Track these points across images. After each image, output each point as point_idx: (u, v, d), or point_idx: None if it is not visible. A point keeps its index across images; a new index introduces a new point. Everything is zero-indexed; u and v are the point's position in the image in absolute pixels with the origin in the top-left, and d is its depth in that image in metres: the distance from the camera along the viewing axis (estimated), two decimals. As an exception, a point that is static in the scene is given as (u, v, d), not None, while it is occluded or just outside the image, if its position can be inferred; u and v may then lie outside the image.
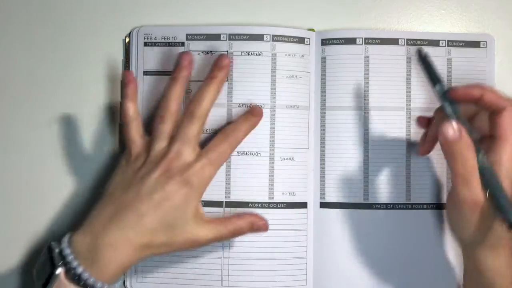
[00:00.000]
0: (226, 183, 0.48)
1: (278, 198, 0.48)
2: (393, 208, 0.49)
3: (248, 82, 0.49)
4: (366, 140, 0.49)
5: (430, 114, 0.46)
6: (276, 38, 0.49)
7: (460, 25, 0.51)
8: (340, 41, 0.49)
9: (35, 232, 0.49)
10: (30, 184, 0.50)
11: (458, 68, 0.49)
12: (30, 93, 0.50)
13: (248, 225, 0.44)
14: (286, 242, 0.48)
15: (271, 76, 0.49)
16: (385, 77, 0.49)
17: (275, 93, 0.49)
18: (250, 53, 0.49)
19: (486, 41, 0.49)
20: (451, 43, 0.50)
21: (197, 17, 0.50)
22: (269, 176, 0.48)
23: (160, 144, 0.44)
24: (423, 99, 0.49)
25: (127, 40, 0.50)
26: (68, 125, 0.50)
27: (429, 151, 0.47)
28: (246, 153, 0.48)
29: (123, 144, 0.47)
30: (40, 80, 0.50)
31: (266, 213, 0.48)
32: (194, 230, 0.42)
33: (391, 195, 0.49)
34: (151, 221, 0.41)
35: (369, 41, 0.49)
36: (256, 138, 0.48)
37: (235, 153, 0.48)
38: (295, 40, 0.49)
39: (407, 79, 0.49)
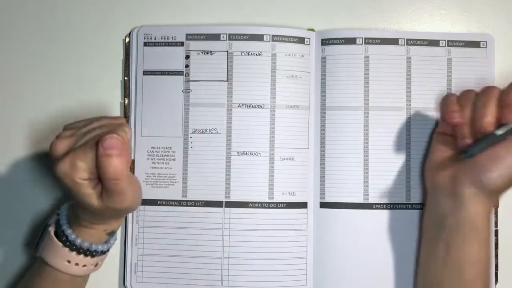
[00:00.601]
0: (226, 183, 0.48)
1: (278, 198, 0.48)
2: (393, 208, 0.49)
3: (248, 82, 0.49)
4: (366, 140, 0.49)
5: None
6: (276, 38, 0.49)
7: (460, 25, 0.51)
8: (340, 41, 0.49)
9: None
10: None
11: (458, 68, 0.49)
12: (29, 92, 0.50)
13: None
14: (286, 242, 0.48)
15: (271, 76, 0.49)
16: (385, 77, 0.49)
17: (275, 93, 0.49)
18: (250, 53, 0.49)
19: (486, 41, 0.49)
20: (451, 43, 0.50)
21: (197, 17, 0.50)
22: (269, 176, 0.48)
23: None
24: (423, 99, 0.49)
25: (127, 40, 0.50)
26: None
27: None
28: (246, 153, 0.48)
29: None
30: (40, 80, 0.50)
31: (266, 213, 0.48)
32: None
33: (391, 195, 0.49)
34: None
35: (369, 41, 0.49)
36: (256, 138, 0.48)
37: (235, 153, 0.48)
38: (295, 40, 0.49)
39: (407, 79, 0.49)
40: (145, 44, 0.49)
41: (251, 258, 0.48)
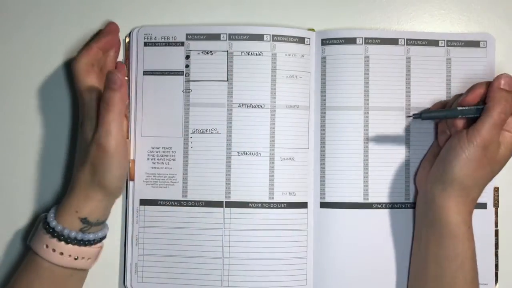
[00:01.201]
0: (226, 183, 0.48)
1: (278, 198, 0.48)
2: (392, 207, 0.49)
3: (248, 82, 0.49)
4: (366, 140, 0.49)
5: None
6: (276, 38, 0.49)
7: (460, 25, 0.51)
8: (340, 41, 0.49)
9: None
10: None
11: (457, 68, 0.49)
12: (30, 93, 0.50)
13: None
14: (286, 242, 0.48)
15: (271, 76, 0.49)
16: (385, 77, 0.49)
17: (275, 93, 0.49)
18: (250, 53, 0.49)
19: (486, 41, 0.49)
20: (451, 43, 0.50)
21: (197, 17, 0.50)
22: (269, 176, 0.48)
23: None
24: (422, 99, 0.49)
25: (127, 40, 0.50)
26: (68, 123, 0.50)
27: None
28: (246, 153, 0.49)
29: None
30: (38, 80, 0.50)
31: (267, 213, 0.48)
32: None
33: (391, 194, 0.49)
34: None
35: (369, 41, 0.49)
36: (256, 138, 0.49)
37: (235, 153, 0.48)
38: (295, 40, 0.49)
39: (406, 79, 0.49)
40: (145, 44, 0.49)
41: (251, 258, 0.48)
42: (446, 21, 0.51)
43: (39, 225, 0.45)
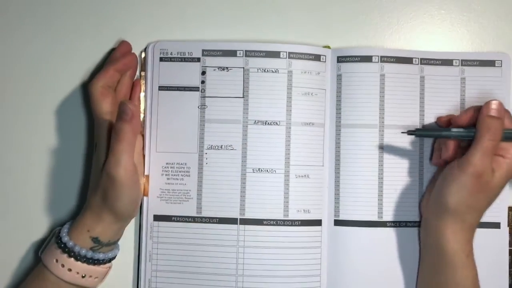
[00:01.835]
0: (241, 200, 0.48)
1: (293, 215, 0.48)
2: (406, 226, 0.49)
3: (263, 99, 0.49)
4: (381, 158, 0.49)
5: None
6: (292, 55, 0.49)
7: (475, 44, 0.51)
8: (356, 59, 0.49)
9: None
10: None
11: (472, 88, 0.50)
12: (47, 111, 0.50)
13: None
14: (300, 260, 0.48)
15: (287, 93, 0.49)
16: (400, 95, 0.49)
17: (290, 110, 0.49)
18: (266, 70, 0.49)
19: (501, 60, 0.50)
20: (465, 62, 0.50)
21: (214, 33, 0.50)
22: (284, 193, 0.48)
23: None
24: (436, 117, 0.49)
25: (143, 55, 0.50)
26: (84, 138, 0.50)
27: (440, 164, 0.48)
28: (261, 170, 0.48)
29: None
30: (55, 93, 0.50)
31: (281, 231, 0.48)
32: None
33: (405, 213, 0.49)
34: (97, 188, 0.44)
35: (384, 59, 0.49)
36: (271, 155, 0.48)
37: (250, 169, 0.48)
38: (311, 57, 0.49)
39: (420, 98, 0.50)
40: (161, 59, 0.49)
41: (265, 276, 0.48)
42: (461, 40, 0.51)
43: (52, 238, 0.46)
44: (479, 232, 0.46)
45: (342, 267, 0.48)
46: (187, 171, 0.49)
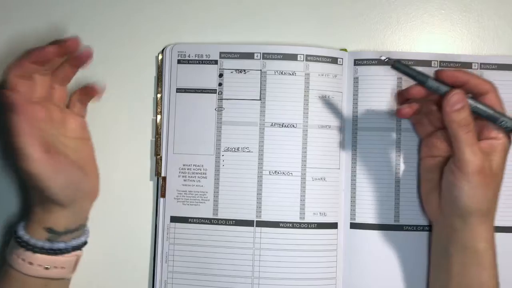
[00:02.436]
0: (257, 202, 0.48)
1: (309, 218, 0.48)
2: (423, 230, 0.49)
3: (281, 102, 0.49)
4: (398, 161, 0.49)
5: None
6: (309, 58, 0.49)
7: (475, 44, 0.51)
8: (373, 62, 0.49)
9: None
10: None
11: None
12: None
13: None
14: (316, 263, 0.48)
15: (304, 95, 0.49)
16: (417, 98, 0.49)
17: (307, 113, 0.49)
18: (283, 73, 0.49)
19: (521, 64, 0.49)
20: (484, 66, 0.50)
21: (231, 36, 0.50)
22: (301, 196, 0.48)
23: None
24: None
25: (160, 57, 0.50)
26: (100, 140, 0.50)
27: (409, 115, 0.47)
28: (278, 173, 0.48)
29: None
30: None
31: (297, 233, 0.48)
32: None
33: (421, 217, 0.49)
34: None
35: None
36: (288, 158, 0.48)
37: (266, 172, 0.48)
38: (328, 60, 0.49)
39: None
40: (179, 61, 0.50)
41: (281, 278, 0.48)
42: (480, 44, 0.51)
43: (12, 243, 0.45)
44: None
45: (358, 270, 0.48)
46: (204, 173, 0.49)
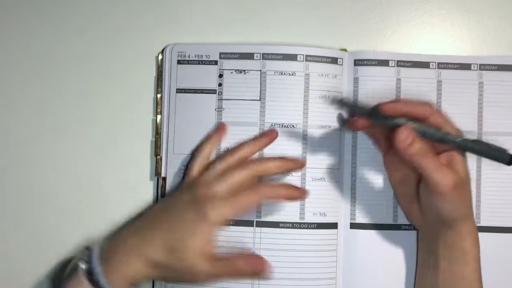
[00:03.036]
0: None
1: (309, 218, 0.48)
2: (422, 230, 0.49)
3: (280, 102, 0.49)
4: (397, 161, 0.49)
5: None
6: (309, 58, 0.49)
7: (475, 44, 0.51)
8: (373, 63, 0.49)
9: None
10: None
11: (490, 92, 0.49)
12: (62, 109, 0.50)
13: (248, 267, 0.42)
14: (316, 263, 0.48)
15: (304, 96, 0.49)
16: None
17: (307, 113, 0.49)
18: (283, 73, 0.49)
19: (523, 65, 0.49)
20: (483, 67, 0.50)
21: (231, 36, 0.50)
22: (301, 196, 0.48)
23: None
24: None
25: (160, 57, 0.50)
26: (100, 140, 0.50)
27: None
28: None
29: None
30: (71, 95, 0.50)
31: (297, 233, 0.48)
32: (194, 261, 0.41)
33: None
34: (160, 239, 0.42)
35: (401, 63, 0.49)
36: (288, 158, 0.48)
37: (266, 172, 0.48)
38: (328, 60, 0.49)
39: (437, 102, 0.50)
40: (179, 62, 0.50)
41: (280, 278, 0.48)
42: (480, 44, 0.51)
43: (79, 273, 0.42)
44: (492, 236, 0.47)
45: (358, 270, 0.48)
46: (203, 173, 0.49)
